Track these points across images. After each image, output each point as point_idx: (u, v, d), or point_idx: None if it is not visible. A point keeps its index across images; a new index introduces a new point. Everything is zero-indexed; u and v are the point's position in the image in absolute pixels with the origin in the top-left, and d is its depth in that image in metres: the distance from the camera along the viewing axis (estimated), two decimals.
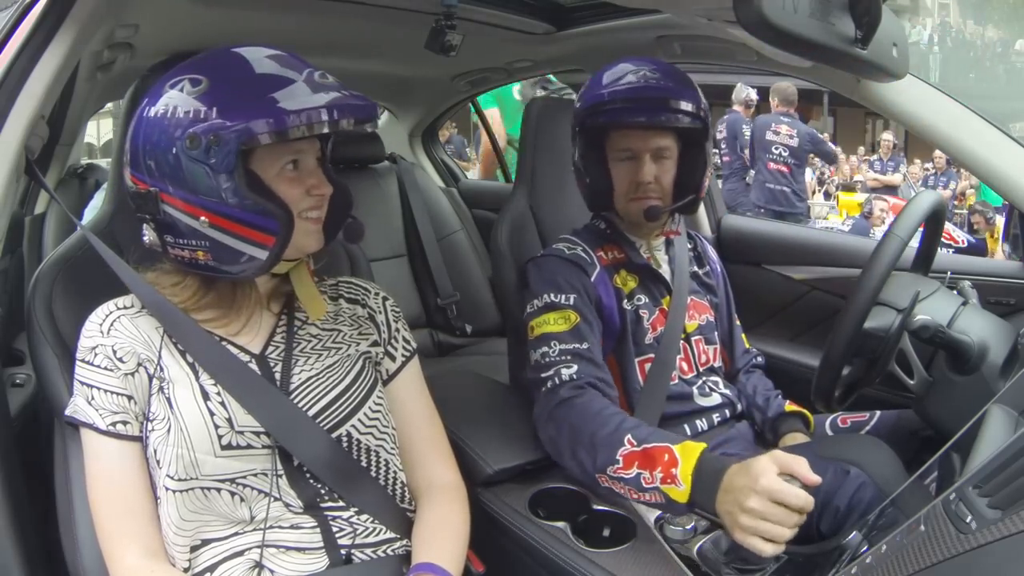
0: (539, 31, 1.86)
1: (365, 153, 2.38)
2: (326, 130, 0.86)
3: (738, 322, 1.53)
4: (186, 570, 0.89)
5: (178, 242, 0.88)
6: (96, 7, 1.04)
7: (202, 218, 0.85)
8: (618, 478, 1.04)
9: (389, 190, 2.43)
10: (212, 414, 0.89)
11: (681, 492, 0.98)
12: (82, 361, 0.90)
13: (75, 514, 0.94)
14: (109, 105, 2.49)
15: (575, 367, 1.16)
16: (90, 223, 1.11)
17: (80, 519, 0.94)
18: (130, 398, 0.90)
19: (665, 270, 1.38)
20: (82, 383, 0.90)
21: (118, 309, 0.93)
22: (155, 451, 0.89)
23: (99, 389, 0.89)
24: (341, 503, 0.94)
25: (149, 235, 0.91)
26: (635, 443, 1.04)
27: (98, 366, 0.90)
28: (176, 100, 0.86)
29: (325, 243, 0.95)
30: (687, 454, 0.99)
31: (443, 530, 0.96)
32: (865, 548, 0.87)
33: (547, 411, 1.15)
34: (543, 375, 1.17)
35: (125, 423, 0.89)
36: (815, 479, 0.89)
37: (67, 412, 0.91)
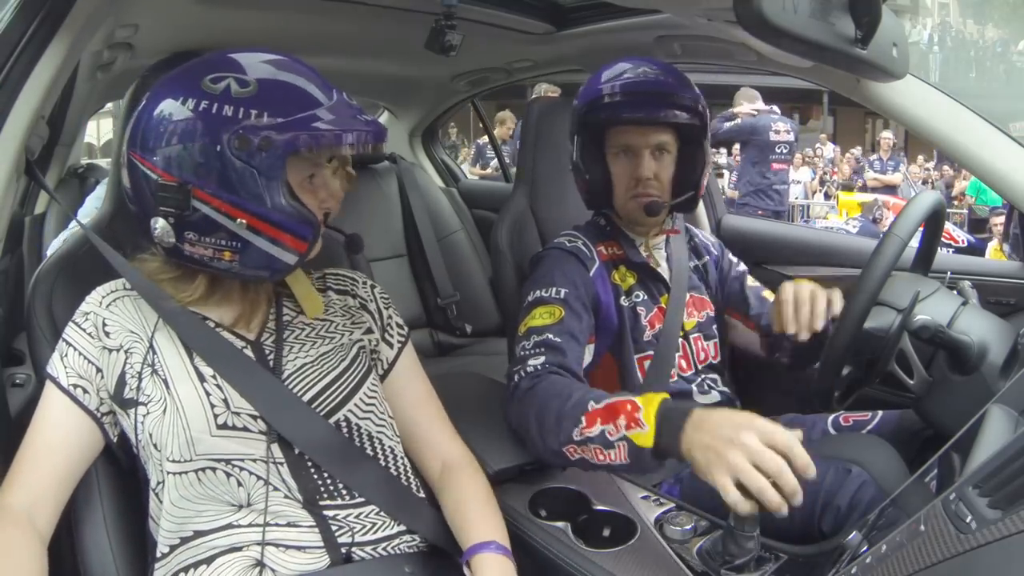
0: (539, 31, 1.86)
1: (365, 153, 2.38)
2: (349, 151, 0.92)
3: (756, 282, 1.48)
4: (164, 555, 0.89)
5: (202, 240, 0.86)
6: (96, 7, 1.04)
7: (240, 220, 0.85)
8: (584, 440, 1.02)
9: (389, 190, 2.43)
10: (208, 394, 0.90)
11: (646, 435, 0.95)
12: (73, 321, 0.93)
13: (77, 514, 0.94)
14: (109, 105, 2.49)
15: (542, 358, 1.16)
16: (90, 223, 1.11)
17: (83, 520, 0.94)
18: (99, 371, 0.91)
19: (663, 268, 1.39)
20: (63, 340, 0.92)
21: (124, 289, 0.95)
22: (150, 435, 0.89)
23: (75, 349, 0.91)
24: (340, 500, 0.94)
25: (161, 228, 0.86)
26: (597, 404, 1.03)
27: (84, 330, 0.92)
28: (220, 98, 0.84)
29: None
30: (649, 400, 0.98)
31: (482, 506, 0.99)
32: (865, 548, 0.87)
33: (512, 402, 1.14)
34: (514, 368, 1.17)
35: (85, 391, 0.90)
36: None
37: None
